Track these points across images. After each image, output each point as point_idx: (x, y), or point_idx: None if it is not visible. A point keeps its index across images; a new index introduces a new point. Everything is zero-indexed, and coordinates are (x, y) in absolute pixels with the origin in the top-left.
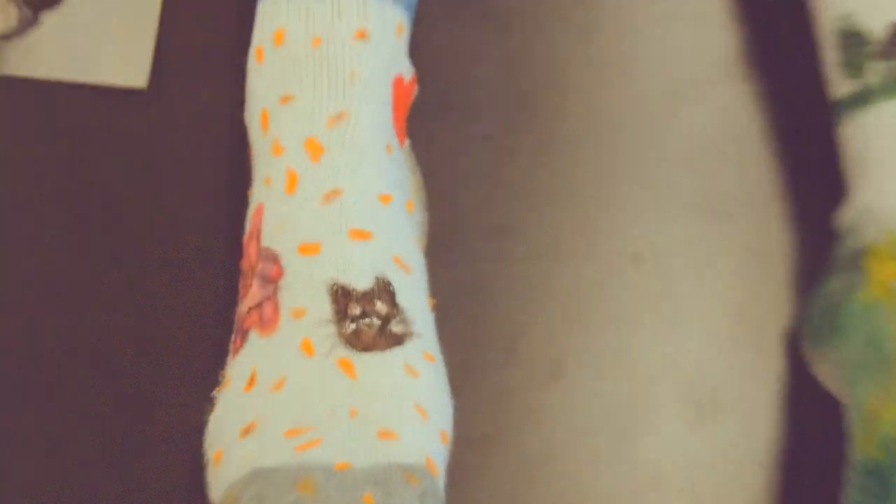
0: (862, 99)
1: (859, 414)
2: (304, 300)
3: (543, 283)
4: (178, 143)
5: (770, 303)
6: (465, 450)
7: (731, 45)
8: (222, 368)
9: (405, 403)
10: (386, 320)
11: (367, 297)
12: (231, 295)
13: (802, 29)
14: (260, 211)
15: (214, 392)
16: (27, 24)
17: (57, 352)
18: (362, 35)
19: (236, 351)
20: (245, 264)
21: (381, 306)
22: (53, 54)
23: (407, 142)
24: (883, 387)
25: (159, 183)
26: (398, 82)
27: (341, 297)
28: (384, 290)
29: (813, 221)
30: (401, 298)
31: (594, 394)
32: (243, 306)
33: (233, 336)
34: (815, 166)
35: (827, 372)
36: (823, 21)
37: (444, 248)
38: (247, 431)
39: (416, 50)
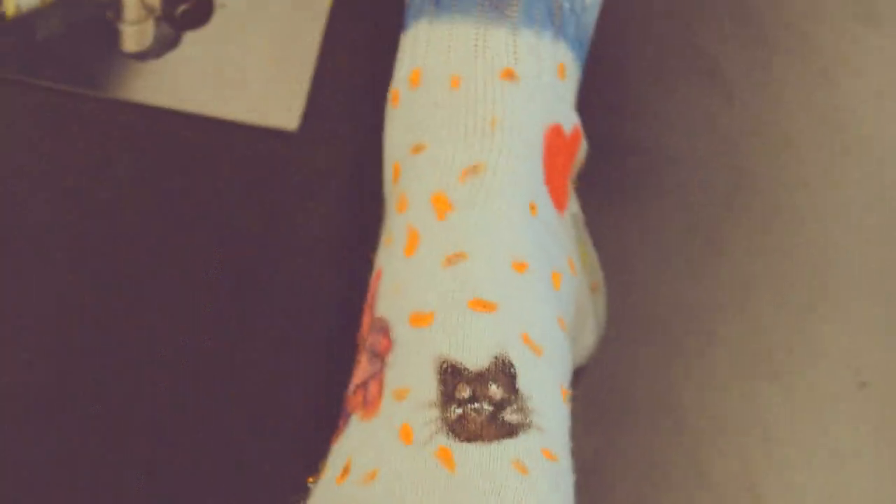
0: None
1: None
2: (409, 379)
3: (747, 401)
4: (320, 191)
5: None
6: None
7: None
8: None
9: None
10: (499, 407)
11: (480, 379)
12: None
13: None
14: (378, 276)
15: (310, 481)
16: (166, 45)
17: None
18: (510, 75)
19: (338, 436)
20: (359, 337)
21: (495, 390)
22: (193, 83)
23: (575, 209)
24: None
25: (293, 232)
26: (554, 133)
27: (450, 376)
28: (502, 371)
29: None
30: (523, 383)
31: None
32: (351, 385)
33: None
34: None
35: None
36: None
37: (630, 351)
38: None
39: (602, 107)
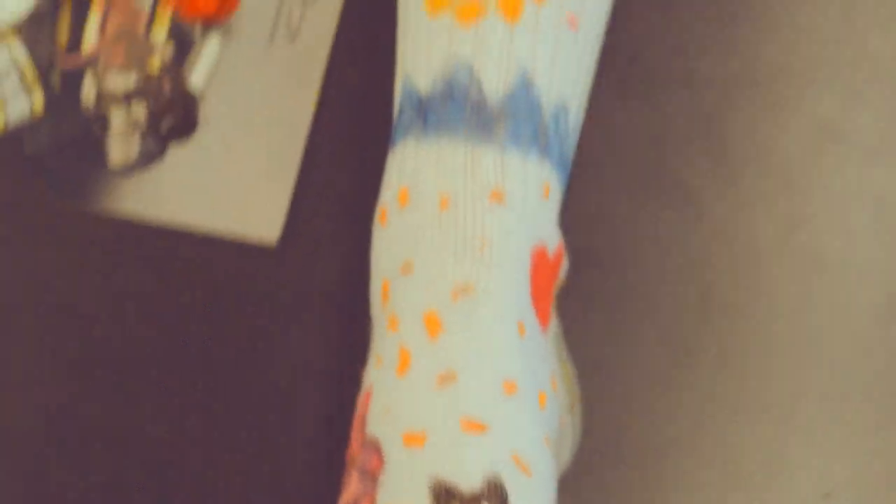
0: None
1: None
2: (402, 499)
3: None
4: (298, 308)
5: None
6: None
7: None
8: None
9: None
10: None
11: (473, 501)
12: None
13: None
14: (369, 395)
15: None
16: (151, 157)
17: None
18: (498, 196)
19: None
20: (348, 454)
21: None
22: (176, 196)
23: (555, 326)
24: None
25: (272, 347)
26: (540, 253)
27: (444, 498)
28: (495, 493)
29: None
30: None
31: None
32: (342, 501)
33: None
34: None
35: None
36: None
37: (608, 465)
38: None
39: (577, 222)
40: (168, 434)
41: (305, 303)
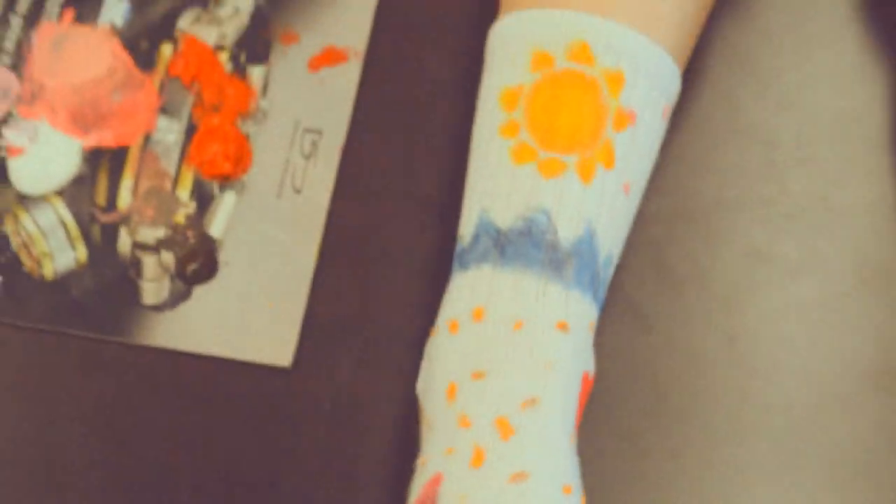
0: None
1: None
2: None
3: None
4: (316, 423)
5: None
6: None
7: (886, 354)
8: None
9: None
10: None
11: None
12: None
13: None
14: (439, 480)
15: None
16: (179, 297)
17: None
18: (563, 327)
19: None
20: None
21: None
22: (202, 328)
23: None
24: None
25: (288, 455)
26: (585, 378)
27: None
28: None
29: None
30: None
31: None
32: None
33: None
34: None
35: None
36: None
37: None
38: None
39: None
40: None
41: (316, 416)
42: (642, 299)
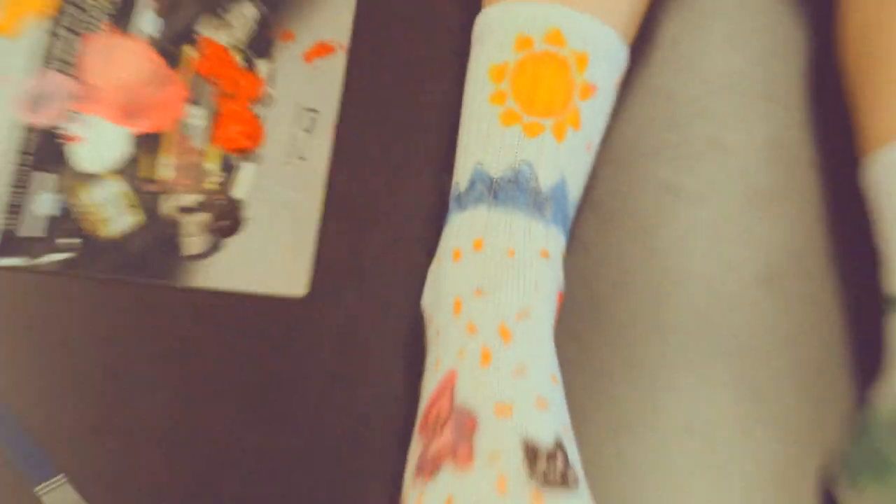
0: None
1: None
2: (501, 451)
3: (614, 450)
4: (330, 344)
5: (803, 464)
6: None
7: (770, 261)
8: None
9: None
10: (563, 472)
11: (550, 454)
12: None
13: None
14: (454, 376)
15: None
16: (213, 248)
17: None
18: (545, 255)
19: (425, 480)
20: (430, 417)
21: (560, 461)
22: (232, 271)
23: None
24: None
25: (304, 368)
26: (559, 294)
27: (531, 453)
28: (561, 450)
29: (835, 400)
30: (570, 456)
31: None
32: (434, 445)
33: (414, 469)
34: (842, 353)
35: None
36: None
37: None
38: None
39: None
40: (227, 430)
41: (326, 337)
42: (582, 230)
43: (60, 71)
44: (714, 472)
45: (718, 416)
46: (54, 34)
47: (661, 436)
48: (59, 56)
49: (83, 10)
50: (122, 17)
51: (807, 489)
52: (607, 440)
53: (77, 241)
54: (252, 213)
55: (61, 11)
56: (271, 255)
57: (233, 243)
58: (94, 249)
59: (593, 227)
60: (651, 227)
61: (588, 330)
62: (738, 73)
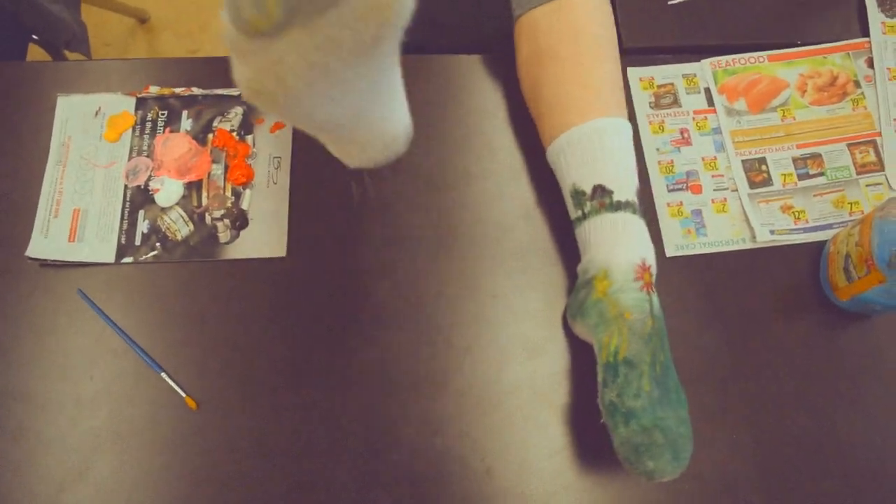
0: (582, 217)
1: (599, 344)
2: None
3: (434, 312)
4: (308, 294)
5: (556, 309)
6: None
7: (527, 197)
8: None
9: None
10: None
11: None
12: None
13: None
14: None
15: None
16: (234, 236)
17: None
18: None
19: None
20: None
21: None
22: (246, 247)
23: None
24: (608, 332)
25: (288, 317)
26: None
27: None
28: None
29: (568, 276)
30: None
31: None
32: None
33: None
34: (564, 244)
35: (580, 331)
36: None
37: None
38: None
39: (395, 197)
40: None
41: (305, 288)
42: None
43: (143, 155)
44: (508, 330)
45: (511, 285)
46: (138, 137)
47: (475, 301)
48: (141, 148)
49: (151, 121)
50: (172, 122)
51: (558, 321)
52: (429, 298)
53: (159, 244)
54: (252, 216)
55: (138, 124)
56: (265, 237)
57: (245, 232)
58: (170, 247)
59: (449, 177)
60: (465, 191)
61: (434, 250)
62: (519, 132)
